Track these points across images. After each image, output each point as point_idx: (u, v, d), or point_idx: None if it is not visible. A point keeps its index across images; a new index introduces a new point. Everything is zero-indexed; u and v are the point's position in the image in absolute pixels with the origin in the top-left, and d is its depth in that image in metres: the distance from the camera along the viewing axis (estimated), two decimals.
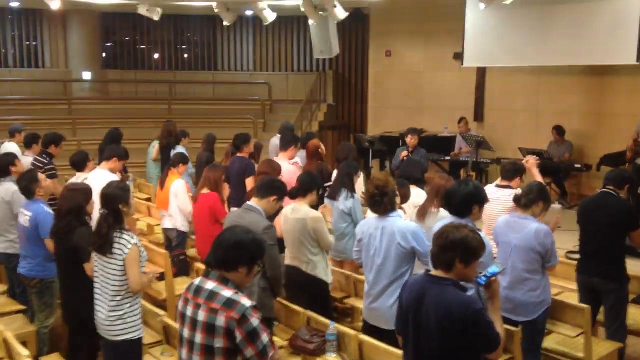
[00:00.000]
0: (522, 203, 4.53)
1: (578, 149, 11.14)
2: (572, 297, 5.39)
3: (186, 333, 2.92)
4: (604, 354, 4.61)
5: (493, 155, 10.85)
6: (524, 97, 12.07)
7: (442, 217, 4.68)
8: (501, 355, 3.04)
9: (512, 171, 5.60)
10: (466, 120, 11.70)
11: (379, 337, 4.22)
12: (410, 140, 8.48)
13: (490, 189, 5.65)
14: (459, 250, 2.95)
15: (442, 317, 2.92)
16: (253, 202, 4.39)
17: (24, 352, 3.71)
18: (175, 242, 6.79)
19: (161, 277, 5.95)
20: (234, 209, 6.09)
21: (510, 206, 5.34)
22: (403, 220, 4.40)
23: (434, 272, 3.07)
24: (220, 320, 2.78)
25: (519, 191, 5.39)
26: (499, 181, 5.77)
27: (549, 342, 4.64)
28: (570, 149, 10.81)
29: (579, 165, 10.43)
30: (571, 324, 4.62)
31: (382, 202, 4.28)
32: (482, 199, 3.97)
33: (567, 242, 7.55)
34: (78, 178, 6.39)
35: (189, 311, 2.92)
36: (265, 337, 2.82)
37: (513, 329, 4.16)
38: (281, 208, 5.12)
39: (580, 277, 5.16)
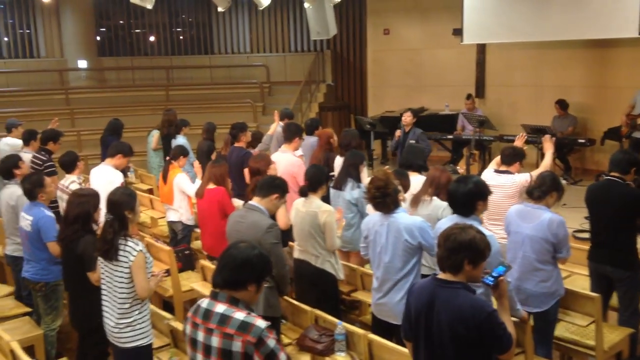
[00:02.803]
0: (535, 195, 4.44)
1: (581, 122, 11.02)
2: (580, 280, 5.36)
3: (200, 359, 2.83)
4: (615, 340, 4.57)
5: (496, 133, 10.74)
6: (525, 72, 11.93)
7: (437, 206, 4.76)
8: (513, 355, 3.01)
9: (512, 156, 5.54)
10: (473, 97, 11.58)
11: (388, 332, 4.21)
12: (405, 118, 8.36)
13: (489, 175, 5.58)
14: (467, 252, 2.90)
15: (455, 322, 2.88)
16: (255, 201, 4.34)
17: None
18: (180, 234, 6.75)
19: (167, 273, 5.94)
20: (234, 200, 6.04)
21: (510, 192, 5.28)
22: (408, 215, 4.34)
23: (441, 275, 3.01)
24: (237, 345, 2.70)
25: (520, 177, 5.32)
26: (496, 165, 5.69)
27: (560, 331, 4.59)
28: (574, 122, 10.71)
29: (582, 140, 10.31)
30: (582, 313, 4.58)
31: (384, 202, 4.24)
32: (484, 194, 3.90)
33: (573, 219, 7.41)
34: (67, 180, 6.26)
35: (200, 336, 2.81)
36: (282, 356, 2.76)
37: (525, 320, 4.10)
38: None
39: (591, 264, 5.10)
